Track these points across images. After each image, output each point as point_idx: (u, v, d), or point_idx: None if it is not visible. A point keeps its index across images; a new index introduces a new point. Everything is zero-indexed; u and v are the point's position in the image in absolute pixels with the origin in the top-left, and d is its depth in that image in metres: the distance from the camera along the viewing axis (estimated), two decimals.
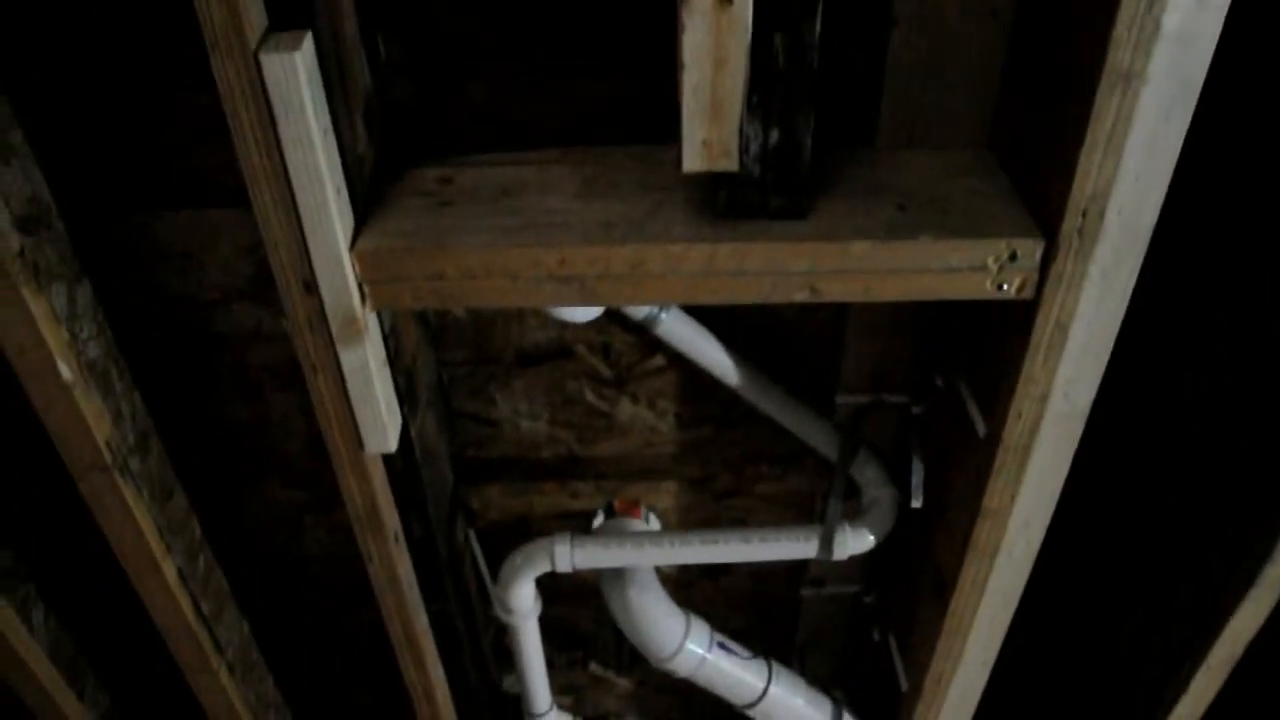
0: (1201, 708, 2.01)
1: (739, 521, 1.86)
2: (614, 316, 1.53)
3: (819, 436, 1.66)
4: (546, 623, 1.83)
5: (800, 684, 1.88)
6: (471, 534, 1.80)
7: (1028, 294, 1.24)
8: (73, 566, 1.96)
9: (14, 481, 1.84)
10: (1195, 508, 1.91)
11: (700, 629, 1.74)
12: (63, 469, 1.53)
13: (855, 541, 1.60)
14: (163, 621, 1.74)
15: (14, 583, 1.90)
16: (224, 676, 1.84)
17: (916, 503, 1.57)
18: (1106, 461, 1.85)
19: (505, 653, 2.09)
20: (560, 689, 2.05)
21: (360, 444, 1.38)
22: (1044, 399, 1.39)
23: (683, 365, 1.60)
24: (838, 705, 1.94)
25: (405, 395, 1.42)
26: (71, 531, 1.88)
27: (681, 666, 1.73)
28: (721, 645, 1.76)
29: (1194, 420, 1.86)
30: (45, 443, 1.49)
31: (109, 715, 2.15)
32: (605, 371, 1.61)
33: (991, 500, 1.49)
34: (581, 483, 1.77)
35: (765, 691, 1.81)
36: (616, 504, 1.74)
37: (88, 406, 1.45)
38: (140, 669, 2.16)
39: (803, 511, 1.83)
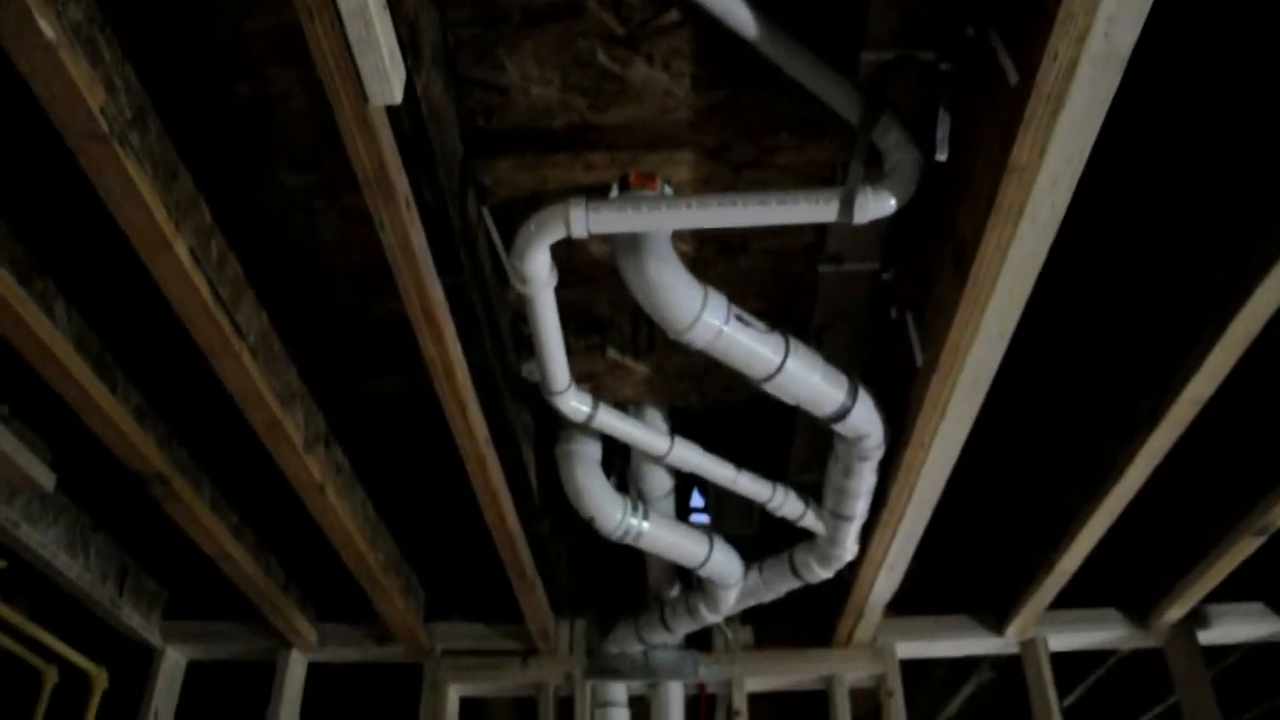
0: (1212, 386, 2.03)
1: None
2: None
3: (841, 98, 1.59)
4: (563, 307, 1.83)
5: (817, 360, 1.90)
6: (485, 210, 1.77)
7: None
8: (88, 262, 1.96)
9: (21, 173, 1.80)
10: (1226, 184, 1.86)
11: (718, 301, 1.74)
12: (74, 167, 1.49)
13: (877, 204, 1.56)
14: (180, 304, 1.74)
15: (31, 275, 1.90)
16: (247, 360, 1.85)
17: (941, 155, 1.52)
18: (1138, 136, 1.78)
19: (523, 340, 2.11)
20: (579, 377, 2.07)
21: (364, 96, 1.33)
22: (1082, 38, 1.31)
23: (699, 19, 1.52)
24: (854, 382, 1.96)
25: (408, 46, 1.35)
26: (83, 225, 1.87)
27: (699, 338, 1.73)
28: (739, 318, 1.77)
29: (1230, 102, 1.79)
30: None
31: (141, 409, 2.21)
32: (617, 28, 1.53)
33: (1020, 154, 1.44)
34: (595, 154, 1.71)
35: (782, 365, 1.82)
36: (632, 177, 1.69)
37: (76, 71, 1.38)
38: (167, 368, 2.20)
39: (823, 185, 1.79)
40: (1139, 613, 3.20)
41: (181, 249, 1.65)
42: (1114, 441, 2.29)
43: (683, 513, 2.86)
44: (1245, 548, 2.65)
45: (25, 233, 1.87)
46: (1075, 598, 3.13)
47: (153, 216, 1.58)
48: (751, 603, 2.73)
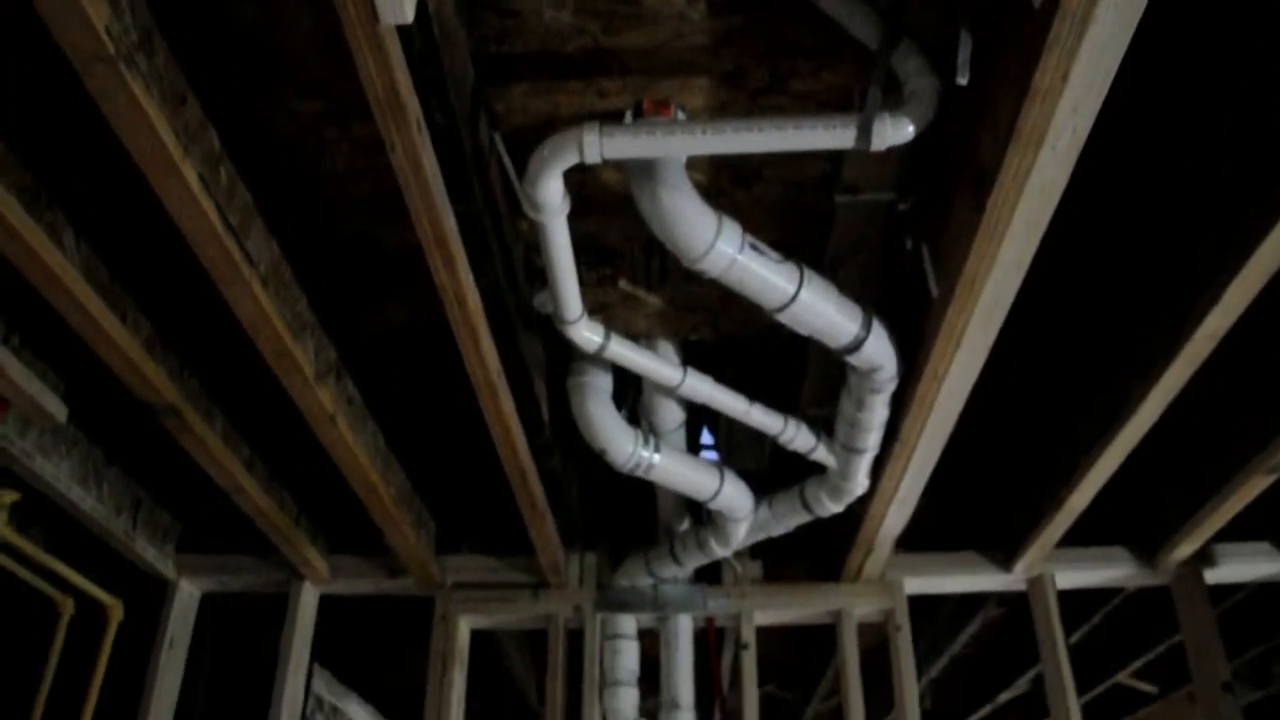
0: (1230, 320, 2.02)
1: None
2: None
3: (860, 22, 1.56)
4: (575, 238, 1.81)
5: (831, 290, 1.88)
6: (497, 137, 1.75)
7: None
8: (96, 191, 1.94)
9: (27, 98, 1.78)
10: (1249, 119, 1.83)
11: (732, 229, 1.72)
12: (80, 92, 1.47)
13: (895, 131, 1.53)
14: (189, 231, 1.72)
15: (39, 203, 1.89)
16: (257, 288, 1.85)
17: (962, 79, 1.49)
18: (1161, 60, 1.75)
19: (536, 272, 2.09)
20: (591, 309, 2.05)
21: (375, 15, 1.30)
22: None
23: None
24: (868, 313, 1.95)
25: None
26: (90, 152, 1.85)
27: (713, 266, 1.72)
28: (753, 246, 1.75)
29: (1258, 30, 1.75)
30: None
31: (152, 340, 2.20)
32: None
33: (1042, 78, 1.41)
34: (609, 80, 1.68)
35: (796, 295, 1.81)
36: (646, 104, 1.67)
37: None
38: (178, 300, 2.19)
39: (841, 111, 1.76)
40: (1147, 551, 3.21)
41: (190, 174, 1.64)
42: (1129, 376, 2.28)
43: (692, 450, 2.86)
44: (1256, 486, 2.64)
45: (32, 160, 1.85)
46: (1083, 536, 3.14)
47: (161, 141, 1.56)
48: (761, 536, 2.74)
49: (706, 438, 3.01)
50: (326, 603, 3.34)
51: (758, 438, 2.65)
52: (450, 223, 1.67)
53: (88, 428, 2.72)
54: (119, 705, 3.07)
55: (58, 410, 2.36)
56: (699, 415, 2.74)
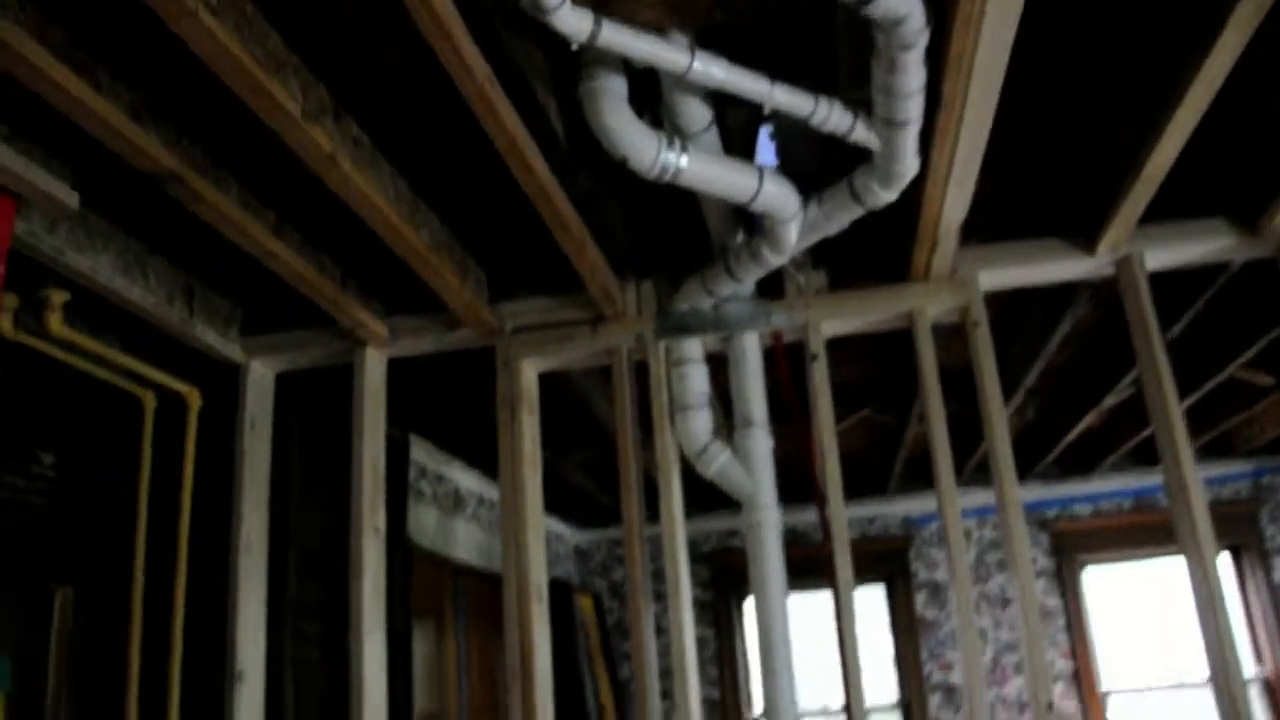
0: None
1: None
2: None
3: None
4: None
5: None
6: None
7: None
8: None
9: None
10: None
11: None
12: None
13: None
14: None
15: None
16: (206, 18, 1.68)
17: None
18: None
19: None
20: (590, 4, 1.85)
21: None
22: None
23: None
24: None
25: None
26: None
27: None
28: None
29: None
30: None
31: (136, 106, 2.10)
32: None
33: None
34: None
35: None
36: None
37: None
38: (159, 72, 2.06)
39: None
40: (1247, 218, 2.94)
41: None
42: (1203, 9, 2.00)
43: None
44: None
45: None
46: (1177, 212, 2.90)
47: None
48: (815, 238, 2.56)
49: (768, 155, 2.78)
50: (409, 372, 3.32)
51: (803, 136, 2.45)
52: None
53: (121, 222, 2.67)
54: (213, 492, 3.15)
55: (68, 196, 2.29)
56: (754, 124, 2.51)
